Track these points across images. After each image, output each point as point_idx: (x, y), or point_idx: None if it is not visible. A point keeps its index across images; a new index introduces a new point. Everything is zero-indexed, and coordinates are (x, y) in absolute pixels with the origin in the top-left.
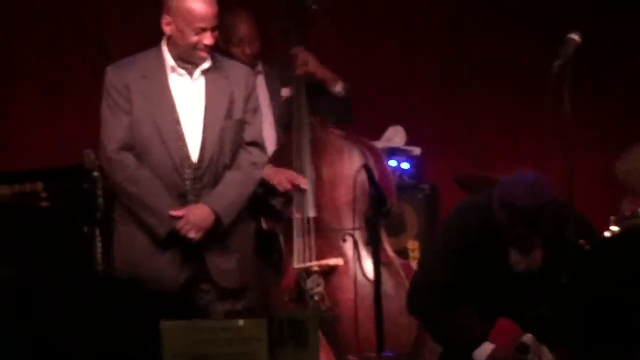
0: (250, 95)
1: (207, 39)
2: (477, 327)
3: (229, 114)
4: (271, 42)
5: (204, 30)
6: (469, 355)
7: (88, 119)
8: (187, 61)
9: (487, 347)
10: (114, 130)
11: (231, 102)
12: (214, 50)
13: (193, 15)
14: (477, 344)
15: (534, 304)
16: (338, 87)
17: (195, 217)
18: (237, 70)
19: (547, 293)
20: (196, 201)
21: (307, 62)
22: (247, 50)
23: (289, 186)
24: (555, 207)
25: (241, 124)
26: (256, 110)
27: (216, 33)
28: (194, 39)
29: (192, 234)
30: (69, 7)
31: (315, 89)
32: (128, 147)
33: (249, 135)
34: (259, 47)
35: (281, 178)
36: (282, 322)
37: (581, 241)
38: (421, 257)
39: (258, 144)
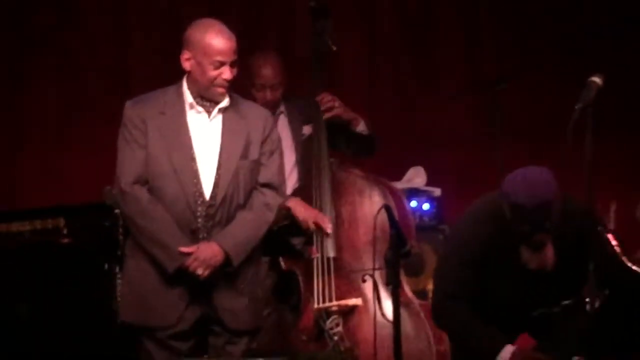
0: (267, 138)
1: (226, 74)
2: (500, 334)
3: (244, 154)
4: (294, 80)
5: (222, 64)
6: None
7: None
8: (206, 97)
9: (508, 350)
10: (129, 163)
11: (247, 143)
12: (234, 90)
13: (212, 49)
14: (500, 348)
15: (552, 304)
16: (361, 127)
17: (204, 255)
18: (255, 112)
19: (566, 292)
20: (207, 239)
21: (334, 107)
22: (269, 96)
23: (313, 226)
24: (560, 203)
25: (257, 165)
26: (273, 152)
27: (235, 69)
28: (213, 73)
29: (199, 271)
30: (90, 47)
31: (338, 128)
32: (142, 181)
33: (263, 176)
34: (282, 93)
35: (307, 216)
36: None
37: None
38: (438, 266)
39: (272, 186)
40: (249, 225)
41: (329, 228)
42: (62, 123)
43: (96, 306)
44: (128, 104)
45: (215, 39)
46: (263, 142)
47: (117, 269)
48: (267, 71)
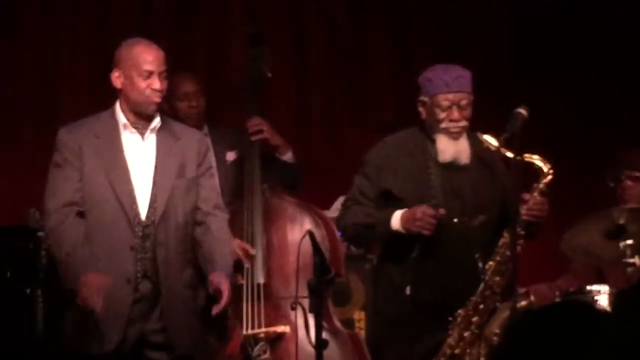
0: (204, 158)
1: (155, 84)
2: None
3: (180, 174)
4: (222, 110)
5: (151, 73)
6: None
7: (31, 177)
8: (139, 114)
9: (397, 214)
10: (61, 186)
11: (182, 163)
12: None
13: (140, 59)
14: (390, 216)
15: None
16: (288, 155)
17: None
18: (189, 133)
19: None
20: (145, 258)
21: (262, 130)
22: (193, 103)
23: (240, 254)
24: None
25: (194, 184)
26: (212, 174)
27: (165, 83)
28: (143, 84)
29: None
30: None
31: (264, 157)
32: (72, 204)
33: (210, 198)
34: (204, 105)
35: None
36: None
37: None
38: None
39: (221, 207)
40: (230, 252)
41: (251, 250)
42: None
43: (17, 332)
44: (62, 130)
45: (142, 50)
46: (200, 163)
47: (39, 293)
48: (189, 83)
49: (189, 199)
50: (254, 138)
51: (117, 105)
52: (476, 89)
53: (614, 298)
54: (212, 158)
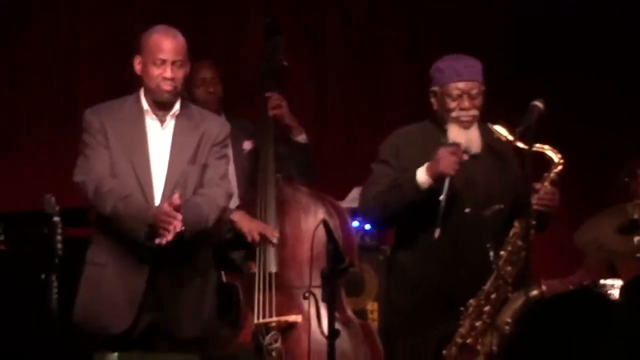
0: (220, 142)
1: (167, 72)
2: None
3: (192, 160)
4: (233, 97)
5: (163, 62)
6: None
7: (48, 165)
8: (156, 102)
9: (420, 170)
10: (99, 164)
11: (197, 149)
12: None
13: (154, 47)
14: (414, 175)
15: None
16: (302, 137)
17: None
18: (211, 120)
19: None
20: (160, 242)
21: (281, 105)
22: (211, 89)
23: (257, 238)
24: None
25: (204, 168)
26: (222, 154)
27: (182, 72)
28: (155, 72)
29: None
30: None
31: (278, 143)
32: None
33: (214, 179)
34: (222, 91)
35: (252, 227)
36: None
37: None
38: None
39: (219, 185)
40: (200, 205)
41: (274, 238)
42: (2, 132)
43: (32, 317)
44: (88, 111)
45: (158, 38)
46: (214, 145)
47: (54, 278)
48: (206, 70)
49: (199, 184)
50: (272, 112)
51: (142, 91)
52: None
53: (623, 288)
54: (228, 147)
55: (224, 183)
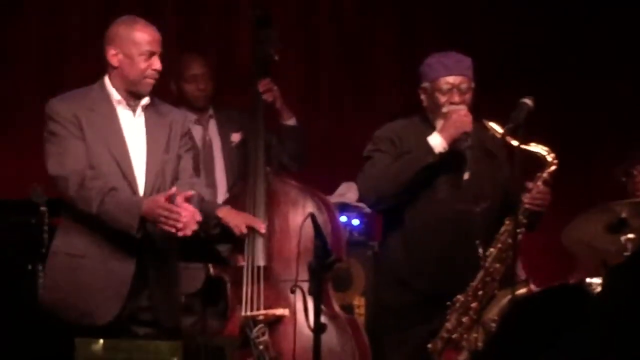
0: (186, 133)
1: (156, 64)
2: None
3: (166, 150)
4: (223, 89)
5: (152, 54)
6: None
7: (35, 153)
8: (133, 92)
9: (434, 135)
10: (75, 155)
11: (169, 139)
12: (156, 95)
13: (142, 40)
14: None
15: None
16: (292, 121)
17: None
18: (175, 112)
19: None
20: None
21: (272, 89)
22: (201, 86)
23: (245, 230)
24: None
25: (178, 159)
26: (188, 147)
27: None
28: (144, 65)
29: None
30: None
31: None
32: (84, 169)
33: (187, 170)
34: (212, 89)
35: (239, 220)
36: (199, 347)
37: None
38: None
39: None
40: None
41: (262, 228)
42: None
43: (18, 307)
44: (54, 100)
45: (144, 31)
46: (182, 136)
47: (41, 268)
48: (198, 65)
49: (174, 173)
50: (264, 96)
51: (107, 81)
52: (477, 87)
53: (604, 275)
54: (191, 137)
55: (196, 175)
